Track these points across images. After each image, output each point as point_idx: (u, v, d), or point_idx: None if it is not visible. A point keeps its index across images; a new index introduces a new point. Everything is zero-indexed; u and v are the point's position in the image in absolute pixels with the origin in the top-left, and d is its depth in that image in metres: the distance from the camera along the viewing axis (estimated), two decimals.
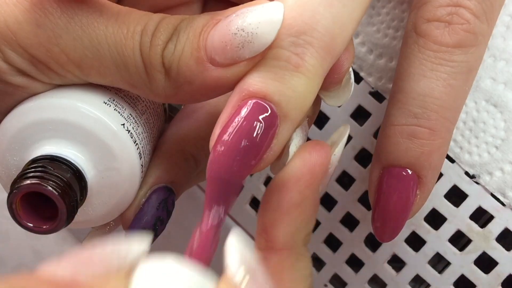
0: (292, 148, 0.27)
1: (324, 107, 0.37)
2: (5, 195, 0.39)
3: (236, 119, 0.25)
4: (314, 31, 0.24)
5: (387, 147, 0.30)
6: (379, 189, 0.31)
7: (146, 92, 0.27)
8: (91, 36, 0.26)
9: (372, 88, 0.36)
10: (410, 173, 0.30)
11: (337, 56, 0.26)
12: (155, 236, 0.32)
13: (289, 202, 0.26)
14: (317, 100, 0.30)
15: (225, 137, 0.25)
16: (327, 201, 0.38)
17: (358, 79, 0.36)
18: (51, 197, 0.26)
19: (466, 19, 0.28)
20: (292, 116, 0.25)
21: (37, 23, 0.26)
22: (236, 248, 0.21)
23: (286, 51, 0.24)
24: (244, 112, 0.25)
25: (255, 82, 0.25)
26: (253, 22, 0.24)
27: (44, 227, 0.27)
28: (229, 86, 0.26)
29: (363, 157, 0.36)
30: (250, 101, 0.25)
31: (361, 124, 0.36)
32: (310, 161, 0.26)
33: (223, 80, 0.26)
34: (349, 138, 0.37)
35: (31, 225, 0.26)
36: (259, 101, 0.25)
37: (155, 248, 0.34)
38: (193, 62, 0.26)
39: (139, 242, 0.21)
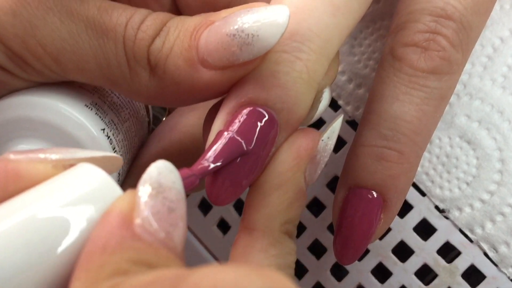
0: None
1: None
2: None
3: (233, 127, 0.23)
4: (319, 38, 0.24)
5: (355, 168, 0.29)
6: (343, 210, 0.30)
7: (128, 90, 0.26)
8: (70, 27, 0.25)
9: (349, 116, 0.35)
10: (375, 195, 0.29)
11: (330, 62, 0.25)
12: None
13: (269, 183, 0.24)
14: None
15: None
16: (298, 227, 0.37)
17: (335, 107, 0.35)
18: None
19: (442, 47, 0.28)
20: (292, 124, 0.24)
21: (13, 12, 0.24)
22: (158, 166, 0.19)
23: (290, 56, 0.23)
24: (241, 119, 0.23)
25: (255, 87, 0.23)
26: (255, 24, 0.23)
27: None
28: (221, 91, 0.24)
29: (336, 185, 0.34)
30: (247, 108, 0.23)
31: (335, 152, 0.35)
32: (295, 143, 0.25)
33: (215, 84, 0.24)
34: None
35: None
36: (259, 108, 0.23)
37: None
38: (182, 62, 0.24)
39: (92, 152, 0.20)
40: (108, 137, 0.27)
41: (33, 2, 0.25)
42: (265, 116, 0.23)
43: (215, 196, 0.24)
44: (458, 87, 0.33)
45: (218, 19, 0.24)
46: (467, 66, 0.33)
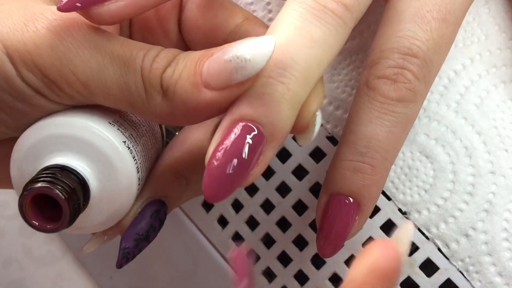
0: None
1: (288, 145, 0.38)
2: (4, 196, 0.36)
3: (228, 139, 0.25)
4: (299, 66, 0.26)
5: (335, 178, 0.31)
6: (325, 213, 0.31)
7: (144, 111, 0.27)
8: (98, 60, 0.26)
9: (329, 133, 0.37)
10: (352, 201, 0.30)
11: (312, 87, 0.27)
12: (148, 241, 0.32)
13: None
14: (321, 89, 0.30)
15: (219, 154, 0.25)
16: (284, 224, 0.39)
17: None
18: (58, 199, 0.25)
19: (408, 79, 0.29)
20: (277, 136, 0.26)
21: (51, 46, 0.26)
22: None
23: (274, 81, 0.25)
24: (235, 132, 0.25)
25: (246, 106, 0.26)
26: (247, 50, 0.25)
27: (48, 226, 0.26)
28: (220, 109, 0.26)
29: (316, 189, 0.37)
30: (240, 123, 0.25)
31: (317, 162, 0.37)
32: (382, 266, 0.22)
33: (215, 102, 0.26)
34: (306, 172, 0.38)
35: (37, 223, 0.26)
36: (248, 123, 0.25)
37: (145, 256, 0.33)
38: (189, 85, 0.26)
39: None
40: (129, 148, 0.28)
41: (68, 37, 0.26)
42: (253, 130, 0.25)
43: (210, 196, 0.26)
44: (420, 111, 0.33)
45: (218, 50, 0.26)
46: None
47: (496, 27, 0.36)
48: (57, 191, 0.25)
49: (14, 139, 0.28)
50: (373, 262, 0.21)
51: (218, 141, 0.26)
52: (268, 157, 0.26)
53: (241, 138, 0.25)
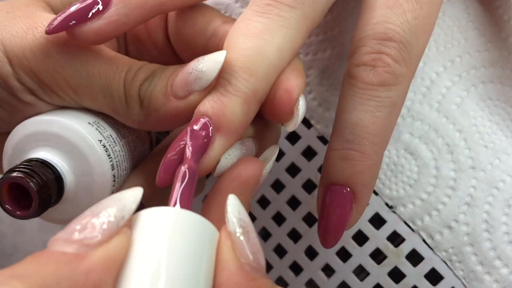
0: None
1: (281, 146, 0.39)
2: None
3: (183, 133, 0.27)
4: (237, 61, 0.28)
5: (328, 168, 0.31)
6: (322, 204, 0.31)
7: (124, 117, 0.30)
8: (88, 70, 0.29)
9: (319, 133, 0.38)
10: (347, 190, 0.30)
11: (270, 84, 0.28)
12: None
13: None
14: (276, 130, 0.32)
15: (175, 145, 0.27)
16: (279, 219, 0.40)
17: (308, 125, 0.38)
18: (29, 189, 0.26)
19: (387, 63, 0.29)
20: (222, 125, 0.27)
21: (47, 54, 0.28)
22: (235, 205, 0.22)
23: (224, 80, 0.27)
24: (189, 127, 0.27)
25: (200, 105, 0.28)
26: (202, 63, 0.27)
27: (18, 212, 0.27)
28: (185, 115, 0.28)
29: (308, 186, 0.39)
30: (197, 119, 0.27)
31: (309, 160, 0.39)
32: (244, 174, 0.27)
33: (180, 109, 0.28)
34: (299, 170, 0.39)
35: (10, 208, 0.27)
36: (200, 117, 0.27)
37: None
38: (161, 95, 0.28)
39: (131, 195, 0.22)
40: (104, 147, 0.29)
41: (63, 47, 0.28)
42: (203, 122, 0.27)
43: (158, 181, 0.27)
44: (403, 111, 0.35)
45: (185, 66, 0.28)
46: (410, 94, 0.35)
47: (475, 30, 0.37)
48: (29, 182, 0.26)
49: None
50: (236, 171, 0.27)
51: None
52: (217, 147, 0.27)
53: (192, 130, 0.27)
